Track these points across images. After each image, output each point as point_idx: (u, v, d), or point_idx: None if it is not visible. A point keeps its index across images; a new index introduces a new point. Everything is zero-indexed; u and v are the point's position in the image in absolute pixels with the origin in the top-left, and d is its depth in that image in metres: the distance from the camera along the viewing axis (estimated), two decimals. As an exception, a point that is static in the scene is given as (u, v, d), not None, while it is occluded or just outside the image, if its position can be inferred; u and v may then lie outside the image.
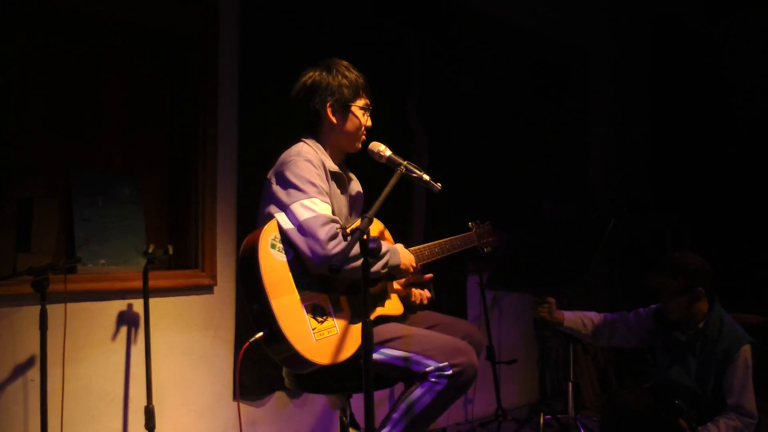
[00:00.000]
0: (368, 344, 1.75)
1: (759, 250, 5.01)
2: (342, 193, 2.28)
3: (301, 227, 2.01)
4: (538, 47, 4.77)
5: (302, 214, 2.02)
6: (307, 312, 2.02)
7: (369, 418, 1.75)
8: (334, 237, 2.00)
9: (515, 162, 4.55)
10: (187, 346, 2.92)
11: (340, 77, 2.24)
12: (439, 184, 2.17)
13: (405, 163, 2.14)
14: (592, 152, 5.28)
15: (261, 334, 1.99)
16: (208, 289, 2.97)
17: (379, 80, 2.36)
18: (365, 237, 1.77)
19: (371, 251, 1.77)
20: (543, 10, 4.78)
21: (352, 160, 2.43)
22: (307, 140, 2.24)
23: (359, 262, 1.88)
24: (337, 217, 2.10)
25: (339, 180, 2.26)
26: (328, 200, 2.10)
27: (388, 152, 2.21)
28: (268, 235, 2.05)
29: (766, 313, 4.21)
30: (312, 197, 2.05)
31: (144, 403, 2.64)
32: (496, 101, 4.41)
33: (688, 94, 5.49)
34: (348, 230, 2.13)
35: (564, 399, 3.98)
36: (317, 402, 3.34)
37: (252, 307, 2.03)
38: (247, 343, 2.03)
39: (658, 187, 5.55)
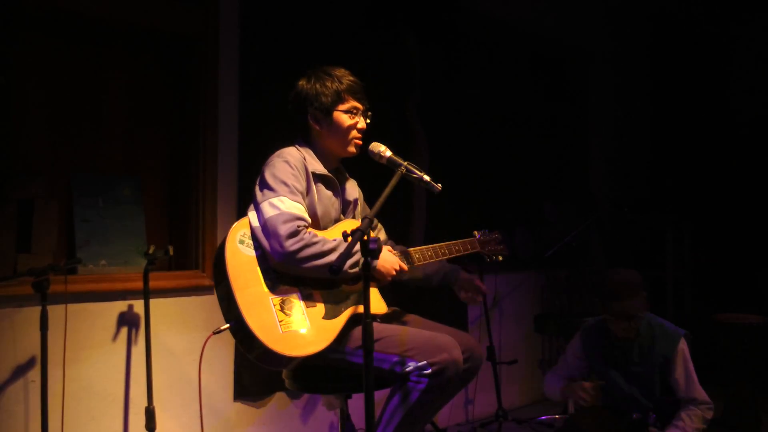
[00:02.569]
0: (368, 344, 1.74)
1: (759, 250, 5.01)
2: (335, 195, 2.29)
3: (265, 225, 2.06)
4: (538, 47, 4.76)
5: (267, 212, 2.06)
6: (275, 305, 2.03)
7: (369, 418, 1.75)
8: (293, 234, 2.02)
9: (516, 162, 4.54)
10: (188, 346, 2.91)
11: (318, 85, 2.26)
12: (440, 185, 2.16)
13: (405, 163, 2.13)
14: (593, 152, 5.27)
15: (227, 326, 2.04)
16: (208, 289, 2.96)
17: (379, 80, 2.36)
18: (365, 238, 1.76)
19: (372, 251, 1.77)
20: (543, 10, 4.78)
21: (351, 161, 2.42)
22: (298, 145, 2.28)
23: (320, 261, 2.01)
24: (303, 216, 2.09)
25: (328, 183, 2.28)
26: (300, 200, 2.12)
27: (388, 153, 2.20)
28: (237, 232, 2.11)
29: (766, 313, 4.21)
30: (281, 196, 2.08)
31: (145, 403, 2.63)
32: (496, 101, 4.40)
33: (689, 94, 5.49)
34: (315, 233, 2.13)
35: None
36: (318, 403, 3.34)
37: (222, 303, 2.08)
38: (211, 333, 2.11)
39: (659, 187, 5.55)
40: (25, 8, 2.65)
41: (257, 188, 2.16)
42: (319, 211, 2.22)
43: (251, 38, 3.13)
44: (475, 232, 2.59)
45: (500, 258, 2.62)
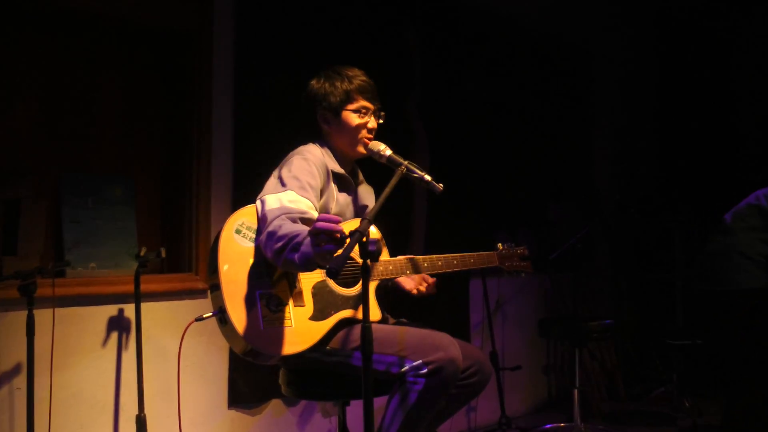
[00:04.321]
0: (368, 349, 1.70)
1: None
2: (349, 195, 2.28)
3: (264, 217, 2.01)
4: (542, 44, 4.70)
5: (270, 204, 2.01)
6: (261, 299, 1.99)
7: (368, 424, 1.70)
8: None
9: (519, 161, 4.48)
10: (180, 352, 2.85)
11: (327, 85, 2.25)
12: (441, 185, 2.11)
13: (406, 162, 2.08)
14: (598, 151, 5.22)
15: (210, 314, 2.03)
16: (201, 293, 2.89)
17: (378, 77, 2.33)
18: (364, 239, 1.71)
19: (371, 253, 1.72)
20: (547, 7, 4.71)
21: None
22: (316, 142, 2.27)
23: (282, 250, 1.86)
24: (305, 212, 2.02)
25: (343, 182, 2.26)
26: (310, 196, 2.07)
27: (388, 152, 2.16)
28: (235, 221, 2.07)
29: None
30: (288, 191, 2.04)
31: (136, 411, 2.58)
32: (499, 99, 4.34)
33: (696, 90, 5.43)
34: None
35: (570, 406, 3.91)
36: (315, 410, 3.28)
37: (211, 292, 2.06)
38: (193, 320, 2.14)
39: (666, 188, 5.48)
40: (15, 4, 2.60)
41: (270, 179, 2.13)
42: (334, 210, 2.20)
43: (247, 35, 3.07)
44: (499, 245, 2.46)
45: (522, 275, 2.48)
